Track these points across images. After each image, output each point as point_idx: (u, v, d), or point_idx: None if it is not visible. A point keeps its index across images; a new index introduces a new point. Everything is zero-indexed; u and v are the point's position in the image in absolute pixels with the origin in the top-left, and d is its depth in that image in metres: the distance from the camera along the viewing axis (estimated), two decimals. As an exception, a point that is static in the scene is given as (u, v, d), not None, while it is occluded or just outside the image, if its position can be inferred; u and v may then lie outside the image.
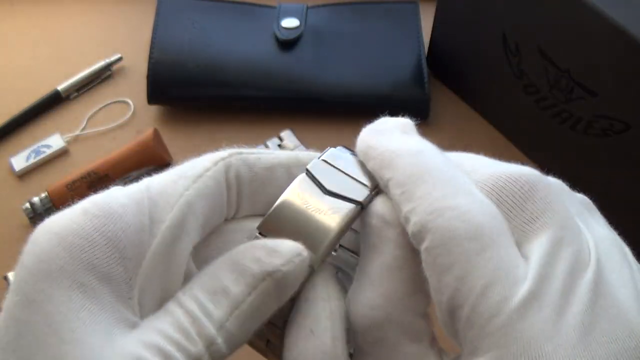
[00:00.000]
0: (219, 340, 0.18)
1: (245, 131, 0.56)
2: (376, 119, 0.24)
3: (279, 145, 0.55)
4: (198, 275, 0.20)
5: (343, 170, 0.22)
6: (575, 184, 0.51)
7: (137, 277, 0.19)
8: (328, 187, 0.21)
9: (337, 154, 0.23)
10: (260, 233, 0.21)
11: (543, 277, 0.17)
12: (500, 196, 0.19)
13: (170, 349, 0.17)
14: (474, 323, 0.17)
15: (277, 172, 0.23)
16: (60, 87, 0.59)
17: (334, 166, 0.22)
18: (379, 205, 0.20)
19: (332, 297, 0.20)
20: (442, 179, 0.19)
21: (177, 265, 0.20)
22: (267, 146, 0.55)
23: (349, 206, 0.21)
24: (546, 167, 0.56)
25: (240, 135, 0.56)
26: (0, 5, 0.67)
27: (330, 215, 0.21)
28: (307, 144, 0.55)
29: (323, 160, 0.22)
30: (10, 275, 0.47)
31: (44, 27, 0.65)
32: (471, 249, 0.18)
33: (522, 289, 0.17)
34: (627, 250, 0.19)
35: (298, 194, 0.21)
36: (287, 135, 0.55)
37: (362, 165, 0.22)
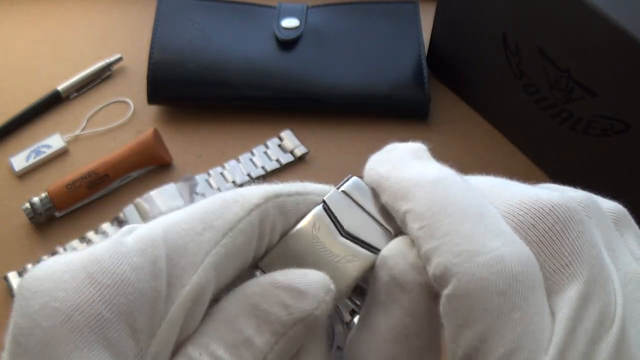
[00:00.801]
0: None
1: (245, 131, 0.56)
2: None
3: (279, 145, 0.55)
4: (212, 325, 0.17)
5: (364, 207, 0.19)
6: (575, 184, 0.51)
7: (149, 347, 0.17)
8: (346, 227, 0.19)
9: (358, 186, 0.20)
10: (262, 270, 0.19)
11: (567, 344, 0.15)
12: (530, 235, 0.17)
13: None
14: None
15: None
16: (60, 87, 0.59)
17: (354, 201, 0.20)
18: (392, 259, 0.18)
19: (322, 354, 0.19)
20: (469, 213, 0.17)
21: (194, 327, 0.18)
22: (267, 146, 0.55)
23: (367, 255, 0.19)
24: (546, 167, 0.56)
25: (240, 135, 0.56)
26: (0, 5, 0.67)
27: (344, 263, 0.18)
28: (307, 144, 0.55)
29: (343, 191, 0.20)
30: (10, 275, 0.47)
31: (44, 27, 0.65)
32: (500, 306, 0.16)
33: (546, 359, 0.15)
34: None
35: (311, 232, 0.19)
36: (287, 135, 0.55)
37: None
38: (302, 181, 0.21)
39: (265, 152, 0.55)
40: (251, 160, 0.54)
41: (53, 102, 0.59)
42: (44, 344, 0.15)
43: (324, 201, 0.19)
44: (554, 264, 0.17)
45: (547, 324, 0.16)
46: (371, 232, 0.19)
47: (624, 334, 0.16)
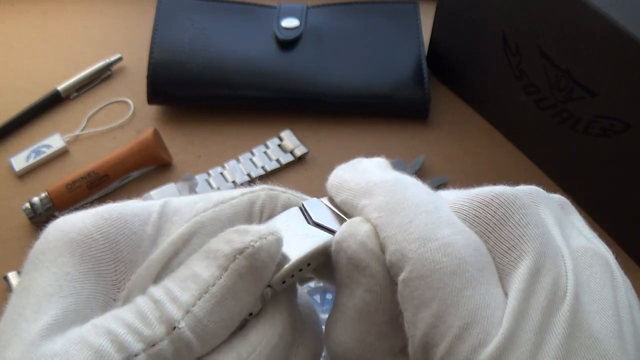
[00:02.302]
0: (182, 324, 0.17)
1: (245, 131, 0.56)
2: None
3: (279, 145, 0.55)
4: (175, 270, 0.19)
5: (337, 210, 0.22)
6: (576, 184, 0.51)
7: (127, 281, 0.19)
8: (315, 219, 0.21)
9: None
10: None
11: (519, 317, 0.16)
12: (478, 223, 0.19)
13: (121, 331, 0.17)
14: None
15: None
16: (60, 87, 0.59)
17: (328, 206, 0.22)
18: (344, 242, 0.19)
19: (276, 323, 0.19)
20: (423, 207, 0.18)
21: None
22: (267, 146, 0.55)
23: (325, 235, 0.20)
24: (546, 167, 0.56)
25: (240, 135, 0.56)
26: (0, 5, 0.67)
27: (302, 239, 0.20)
28: (307, 144, 0.55)
29: (321, 200, 0.22)
30: (10, 275, 0.47)
31: (44, 27, 0.65)
32: (452, 285, 0.17)
33: (499, 333, 0.16)
34: (609, 258, 0.19)
35: (285, 220, 0.21)
36: (287, 135, 0.55)
37: None
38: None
39: (265, 152, 0.55)
40: (251, 160, 0.54)
41: (53, 102, 0.59)
42: (41, 251, 0.19)
43: (302, 204, 0.22)
44: (501, 247, 0.18)
45: (500, 302, 0.17)
46: (336, 222, 0.21)
47: (578, 303, 0.17)
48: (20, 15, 0.66)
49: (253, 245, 0.18)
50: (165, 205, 0.20)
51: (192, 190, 0.50)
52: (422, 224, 0.18)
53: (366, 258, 0.19)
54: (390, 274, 0.19)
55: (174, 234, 0.19)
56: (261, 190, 0.22)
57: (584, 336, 0.16)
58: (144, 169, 0.53)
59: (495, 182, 0.21)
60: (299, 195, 0.23)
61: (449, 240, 0.18)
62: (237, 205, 0.21)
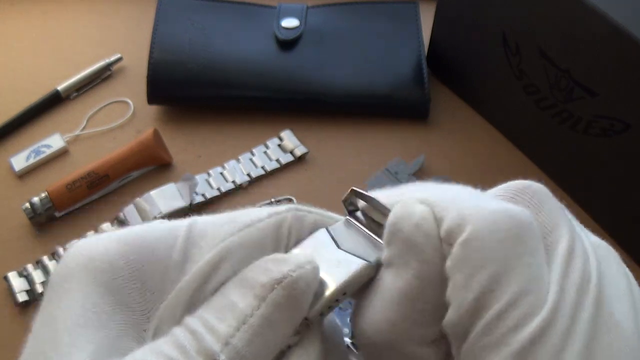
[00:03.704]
0: (222, 357, 0.17)
1: (245, 131, 0.56)
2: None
3: (279, 145, 0.55)
4: (210, 299, 0.19)
5: (364, 229, 0.21)
6: (576, 184, 0.51)
7: (157, 310, 0.19)
8: (342, 244, 0.20)
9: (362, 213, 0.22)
10: None
11: (561, 294, 0.17)
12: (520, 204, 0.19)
13: None
14: (495, 331, 0.17)
15: None
16: (60, 87, 0.59)
17: (357, 226, 0.21)
18: (402, 223, 0.19)
19: (310, 354, 0.19)
20: (471, 190, 0.19)
21: (200, 305, 0.19)
22: (267, 146, 0.55)
23: (359, 262, 0.19)
24: (546, 167, 0.56)
25: (240, 135, 0.56)
26: (0, 5, 0.67)
27: (335, 267, 0.20)
28: (307, 144, 0.55)
29: (348, 219, 0.21)
30: (10, 275, 0.47)
31: (44, 27, 0.65)
32: (514, 249, 0.17)
33: (546, 307, 0.17)
34: (617, 255, 0.19)
35: (313, 245, 0.20)
36: (287, 135, 0.55)
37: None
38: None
39: (265, 152, 0.55)
40: (251, 160, 0.54)
41: (53, 102, 0.59)
42: (62, 277, 0.18)
43: (326, 228, 0.21)
44: (542, 230, 0.18)
45: (546, 276, 0.17)
46: (366, 248, 0.20)
47: (602, 286, 0.17)
48: (20, 15, 0.66)
49: (291, 275, 0.18)
50: (190, 228, 0.20)
51: (192, 190, 0.50)
52: (476, 198, 0.18)
53: (422, 242, 0.18)
54: (442, 252, 0.18)
55: (202, 261, 0.19)
56: (287, 211, 0.21)
57: (607, 318, 0.17)
58: (144, 169, 0.53)
59: (495, 182, 0.21)
60: (326, 214, 0.22)
61: (510, 207, 0.18)
62: (265, 229, 0.20)
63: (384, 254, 0.19)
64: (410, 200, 0.19)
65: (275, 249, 0.20)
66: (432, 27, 0.58)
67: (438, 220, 0.18)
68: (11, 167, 0.54)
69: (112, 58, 0.61)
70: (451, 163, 0.54)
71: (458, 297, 0.17)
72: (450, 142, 0.56)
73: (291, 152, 0.55)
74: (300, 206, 0.21)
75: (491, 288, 0.17)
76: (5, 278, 0.47)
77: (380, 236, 0.20)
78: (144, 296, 0.18)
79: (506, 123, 0.56)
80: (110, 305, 0.18)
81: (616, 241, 0.48)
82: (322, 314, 0.19)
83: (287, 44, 0.58)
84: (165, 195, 0.50)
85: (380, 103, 0.56)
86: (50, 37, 0.64)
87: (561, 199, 0.21)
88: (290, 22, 0.59)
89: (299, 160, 0.55)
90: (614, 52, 0.40)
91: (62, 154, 0.55)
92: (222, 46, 0.57)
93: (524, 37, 0.47)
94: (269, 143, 0.55)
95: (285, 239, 0.21)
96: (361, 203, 0.22)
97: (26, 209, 0.50)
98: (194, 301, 0.19)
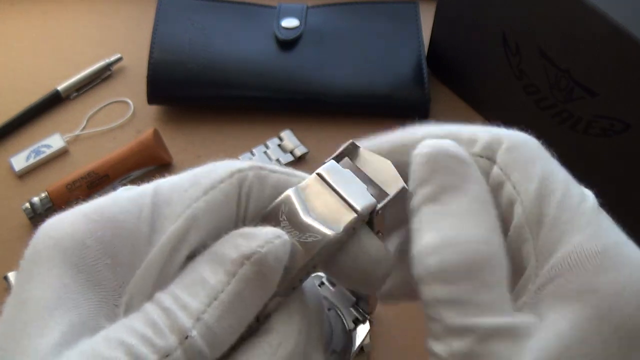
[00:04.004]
0: (194, 333, 0.17)
1: (245, 131, 0.56)
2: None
3: (279, 145, 0.55)
4: (181, 274, 0.19)
5: (336, 189, 0.20)
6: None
7: (127, 285, 0.18)
8: (312, 209, 0.20)
9: (334, 169, 0.21)
10: None
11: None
12: None
13: (134, 342, 0.16)
14: (568, 205, 0.19)
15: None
16: (60, 87, 0.59)
17: (328, 183, 0.21)
18: (442, 146, 0.20)
19: (284, 334, 0.19)
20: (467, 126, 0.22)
21: (172, 276, 0.19)
22: (267, 146, 0.55)
23: (326, 231, 0.19)
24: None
25: (240, 135, 0.56)
26: (0, 5, 0.67)
27: (304, 240, 0.19)
28: (307, 144, 0.55)
29: (318, 174, 0.21)
30: (10, 275, 0.47)
31: (44, 27, 0.65)
32: (544, 155, 0.21)
33: (587, 195, 0.20)
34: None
35: (279, 212, 0.20)
36: (287, 135, 0.55)
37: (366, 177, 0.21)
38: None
39: (265, 152, 0.55)
40: (251, 160, 0.54)
41: (53, 102, 0.59)
42: (32, 261, 0.18)
43: (296, 189, 0.20)
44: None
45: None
46: (339, 208, 0.20)
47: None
48: (20, 15, 0.66)
49: (260, 251, 0.18)
50: (155, 194, 0.19)
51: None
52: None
53: (468, 157, 0.20)
54: (484, 170, 0.21)
55: (168, 232, 0.19)
56: (250, 169, 0.20)
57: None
58: (144, 169, 0.53)
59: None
60: (292, 173, 0.22)
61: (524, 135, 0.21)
62: (227, 190, 0.20)
63: (423, 190, 0.20)
64: (433, 137, 0.21)
65: (239, 210, 0.20)
66: (432, 27, 0.58)
67: (470, 142, 0.21)
68: (11, 167, 0.54)
69: (112, 58, 0.61)
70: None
71: (522, 189, 0.20)
72: (450, 142, 0.56)
73: (291, 152, 0.55)
74: (263, 165, 0.21)
75: (546, 177, 0.20)
76: (5, 278, 0.47)
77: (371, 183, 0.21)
78: (114, 272, 0.18)
79: (506, 123, 0.55)
80: (81, 285, 0.18)
81: (616, 241, 0.48)
82: (294, 288, 0.20)
83: (287, 44, 0.58)
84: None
85: (380, 103, 0.56)
86: (50, 37, 0.64)
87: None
88: (290, 22, 0.59)
89: (299, 160, 0.55)
90: (614, 52, 0.40)
91: (62, 154, 0.55)
92: (222, 46, 0.57)
93: (524, 37, 0.47)
94: (269, 143, 0.55)
95: (244, 201, 0.20)
96: (361, 157, 0.22)
97: (26, 209, 0.50)
98: (164, 274, 0.19)
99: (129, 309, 0.18)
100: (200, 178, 0.20)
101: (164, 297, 0.18)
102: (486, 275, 0.18)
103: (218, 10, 0.61)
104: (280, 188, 0.21)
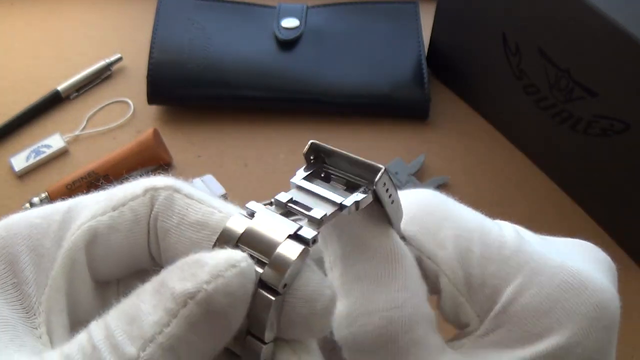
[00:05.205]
0: None
1: (245, 131, 0.56)
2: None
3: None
4: (122, 301, 0.16)
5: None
6: (576, 184, 0.51)
7: (40, 305, 0.17)
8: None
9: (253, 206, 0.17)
10: None
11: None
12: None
13: None
14: (489, 257, 0.19)
15: (200, 232, 0.18)
16: (60, 87, 0.59)
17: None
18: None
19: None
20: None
21: (83, 295, 0.18)
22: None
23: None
24: (546, 167, 0.56)
25: (240, 135, 0.56)
26: (0, 5, 0.67)
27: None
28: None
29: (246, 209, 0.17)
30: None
31: (44, 27, 0.65)
32: (450, 207, 0.20)
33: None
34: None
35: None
36: (208, 179, 0.51)
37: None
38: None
39: (265, 152, 0.55)
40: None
41: (53, 102, 0.59)
42: None
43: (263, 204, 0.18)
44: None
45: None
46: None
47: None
48: (20, 15, 0.66)
49: (205, 289, 0.14)
50: (69, 209, 0.18)
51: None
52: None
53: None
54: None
55: (64, 244, 0.17)
56: (165, 189, 0.18)
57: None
58: (144, 169, 0.53)
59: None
60: (211, 204, 0.18)
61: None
62: (138, 210, 0.18)
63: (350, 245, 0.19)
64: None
65: (149, 233, 0.19)
66: (432, 27, 0.58)
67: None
68: (11, 167, 0.54)
69: (112, 58, 0.61)
70: (451, 163, 0.54)
71: (440, 261, 0.19)
72: (450, 142, 0.56)
73: (291, 152, 0.54)
74: (184, 186, 0.19)
75: (459, 235, 0.19)
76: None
77: (353, 187, 0.18)
78: (21, 292, 0.17)
79: (506, 123, 0.56)
80: None
81: (616, 241, 0.48)
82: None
83: (287, 44, 0.58)
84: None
85: (380, 103, 0.56)
86: (50, 37, 0.64)
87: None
88: (290, 22, 0.59)
89: (299, 160, 0.55)
90: (614, 52, 0.40)
91: (62, 154, 0.55)
92: (222, 46, 0.57)
93: (524, 37, 0.47)
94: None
95: (153, 224, 0.18)
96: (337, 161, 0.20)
97: (26, 209, 0.50)
98: (73, 287, 0.17)
99: (52, 331, 0.17)
100: (115, 194, 0.19)
101: (96, 331, 0.15)
102: (400, 341, 0.18)
103: (218, 10, 0.61)
104: (192, 217, 0.18)
